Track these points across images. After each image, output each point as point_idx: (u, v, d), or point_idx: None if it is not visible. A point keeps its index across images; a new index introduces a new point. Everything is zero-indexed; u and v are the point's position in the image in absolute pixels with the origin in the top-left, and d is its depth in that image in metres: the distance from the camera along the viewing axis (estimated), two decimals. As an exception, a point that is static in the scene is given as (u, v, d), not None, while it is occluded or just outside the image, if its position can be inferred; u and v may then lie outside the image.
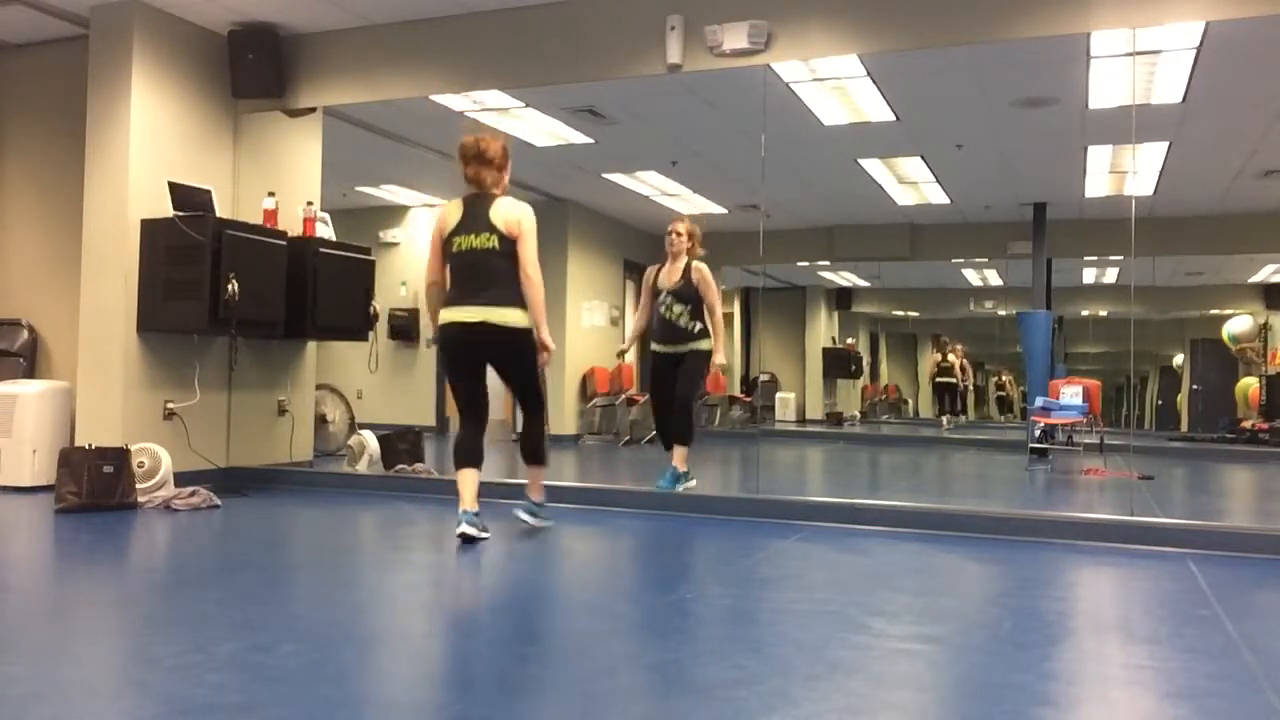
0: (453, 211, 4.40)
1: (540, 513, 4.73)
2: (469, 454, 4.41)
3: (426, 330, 4.70)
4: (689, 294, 5.73)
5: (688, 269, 5.76)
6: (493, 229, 4.29)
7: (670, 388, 5.80)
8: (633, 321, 5.99)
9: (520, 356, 4.40)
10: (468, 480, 4.33)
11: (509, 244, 4.29)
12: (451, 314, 4.34)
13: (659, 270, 5.89)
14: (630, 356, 12.02)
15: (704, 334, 5.77)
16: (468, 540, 4.23)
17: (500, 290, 4.28)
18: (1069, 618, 3.37)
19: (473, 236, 4.31)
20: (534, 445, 4.66)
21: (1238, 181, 8.91)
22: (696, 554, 4.53)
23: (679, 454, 5.77)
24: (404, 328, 10.96)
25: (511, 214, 4.33)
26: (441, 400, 11.08)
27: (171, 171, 5.91)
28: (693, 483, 5.83)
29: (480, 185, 4.38)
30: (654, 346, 5.89)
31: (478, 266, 4.30)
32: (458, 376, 4.49)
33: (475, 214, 4.34)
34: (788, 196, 10.09)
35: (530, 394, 4.57)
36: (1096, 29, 4.95)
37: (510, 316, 4.29)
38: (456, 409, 4.55)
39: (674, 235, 5.81)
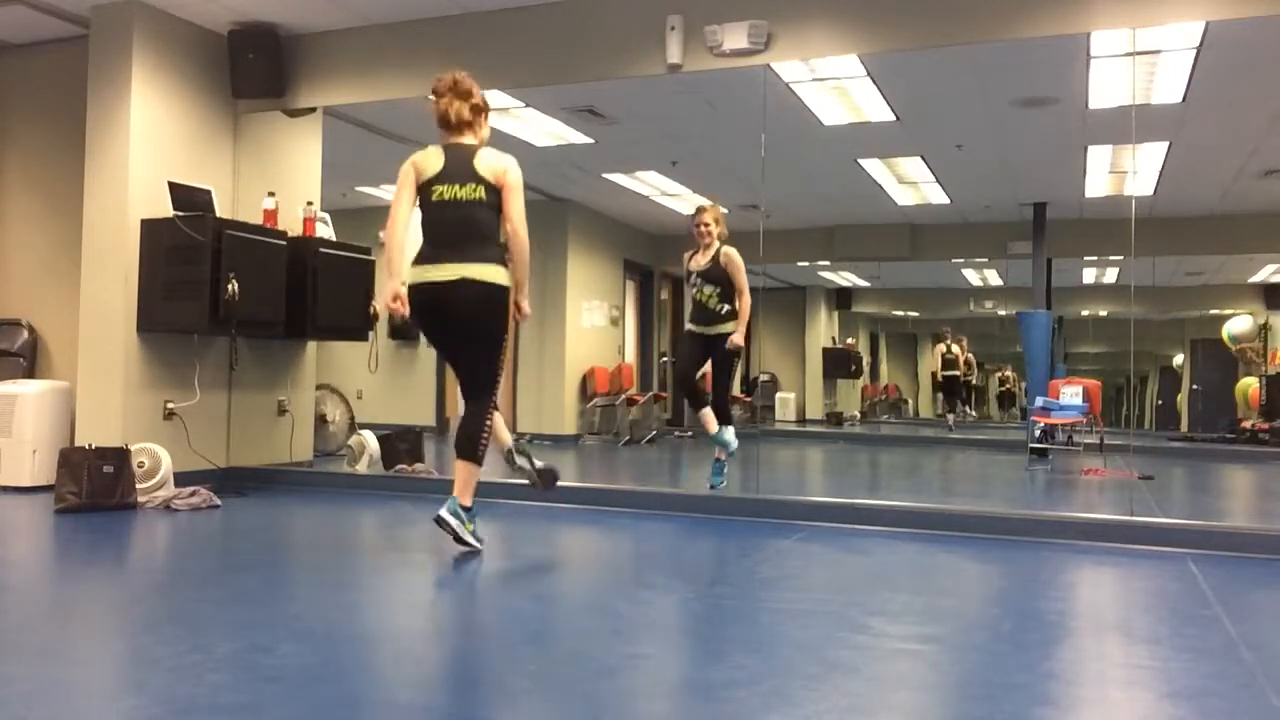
0: (433, 157, 3.97)
1: (470, 522, 4.00)
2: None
3: (385, 298, 4.18)
4: (718, 275, 5.86)
5: (718, 253, 5.89)
6: (479, 179, 3.91)
7: (693, 363, 6.07)
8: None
9: (491, 318, 3.94)
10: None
11: (495, 195, 3.93)
12: (424, 273, 3.91)
13: (692, 255, 6.04)
14: (630, 356, 12.05)
15: (731, 316, 5.91)
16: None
17: (482, 247, 3.91)
18: (1069, 618, 3.37)
19: (457, 187, 3.91)
20: (472, 436, 3.99)
21: (1238, 181, 8.90)
22: (696, 554, 4.53)
23: (722, 429, 6.14)
24: (404, 327, 10.96)
25: (499, 164, 3.96)
26: (442, 400, 11.08)
27: (171, 171, 5.91)
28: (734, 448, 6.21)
29: (451, 123, 3.99)
30: (687, 326, 6.09)
31: (460, 220, 3.92)
32: (442, 348, 4.13)
33: (459, 162, 3.94)
34: (788, 196, 10.08)
35: (485, 370, 4.03)
36: (1096, 29, 4.95)
37: (491, 273, 3.90)
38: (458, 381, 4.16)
39: (701, 227, 5.92)
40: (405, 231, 4.00)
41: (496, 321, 3.96)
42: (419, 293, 3.92)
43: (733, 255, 5.85)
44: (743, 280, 5.88)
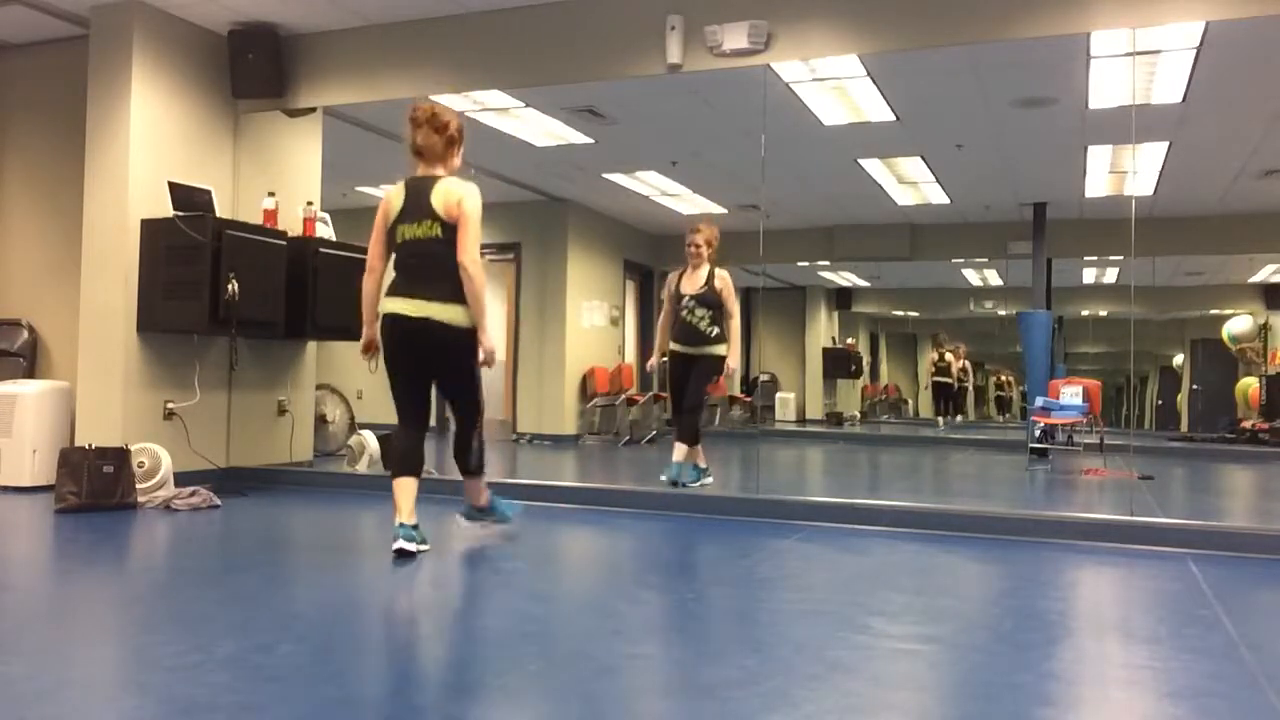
0: (395, 198, 4.03)
1: (484, 516, 4.45)
2: (407, 461, 4.06)
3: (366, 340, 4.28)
4: (712, 299, 5.91)
5: (711, 275, 5.94)
6: (434, 216, 3.92)
7: (685, 387, 5.98)
8: (658, 333, 6.22)
9: (460, 359, 4.03)
10: (405, 490, 4.00)
11: (452, 230, 3.92)
12: (393, 305, 3.99)
13: (680, 276, 6.06)
14: (630, 356, 12.05)
15: (720, 339, 5.96)
16: (404, 556, 3.90)
17: (443, 285, 3.93)
18: (1069, 618, 3.37)
19: (415, 225, 3.95)
20: (466, 454, 4.25)
21: (1238, 181, 8.90)
22: (696, 554, 4.53)
23: (680, 451, 5.90)
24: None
25: (452, 195, 3.93)
26: (441, 401, 11.05)
27: (171, 171, 5.91)
28: (709, 480, 6.00)
29: (425, 156, 4.02)
30: (672, 346, 6.08)
31: (420, 258, 3.96)
32: (398, 374, 4.09)
33: (418, 199, 3.97)
34: (788, 196, 10.09)
35: (465, 400, 4.21)
36: (1096, 29, 4.95)
37: (454, 315, 3.94)
38: (396, 409, 4.14)
39: (692, 248, 5.96)
40: (379, 279, 4.11)
41: (465, 359, 4.04)
42: (386, 320, 4.03)
43: (727, 280, 5.94)
44: (734, 304, 5.98)
